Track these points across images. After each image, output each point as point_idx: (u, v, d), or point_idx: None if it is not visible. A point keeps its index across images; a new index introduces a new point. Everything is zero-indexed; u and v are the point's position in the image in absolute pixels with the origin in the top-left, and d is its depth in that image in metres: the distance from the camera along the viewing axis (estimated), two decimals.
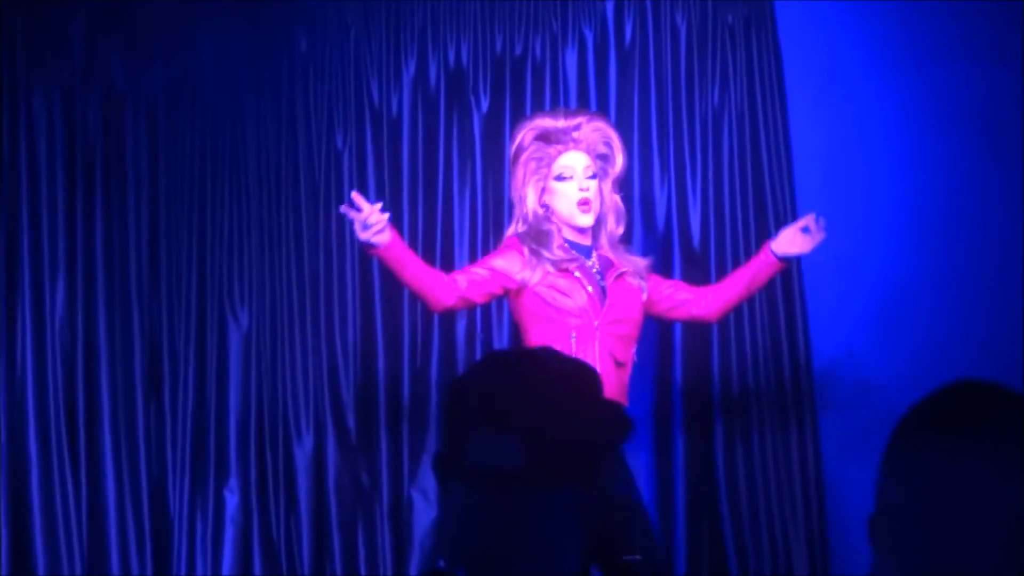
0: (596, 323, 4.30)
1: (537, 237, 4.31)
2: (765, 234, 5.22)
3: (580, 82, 5.53)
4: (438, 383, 5.46)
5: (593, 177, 4.36)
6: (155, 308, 5.52)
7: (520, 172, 4.33)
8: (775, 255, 4.48)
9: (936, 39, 5.33)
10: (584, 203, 4.31)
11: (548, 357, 1.79)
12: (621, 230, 4.45)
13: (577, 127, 4.35)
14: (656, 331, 5.36)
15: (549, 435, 1.69)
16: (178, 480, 5.51)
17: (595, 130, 4.38)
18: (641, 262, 4.55)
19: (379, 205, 4.16)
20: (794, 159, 5.50)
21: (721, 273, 5.29)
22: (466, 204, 5.53)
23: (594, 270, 4.37)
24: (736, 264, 5.23)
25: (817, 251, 4.76)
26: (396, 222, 5.14)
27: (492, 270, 4.34)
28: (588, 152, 4.35)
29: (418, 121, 5.54)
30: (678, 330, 5.40)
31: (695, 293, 4.58)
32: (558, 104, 5.43)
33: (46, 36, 5.43)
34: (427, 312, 5.23)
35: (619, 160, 4.41)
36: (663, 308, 4.59)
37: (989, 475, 1.48)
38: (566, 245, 4.39)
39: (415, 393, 5.47)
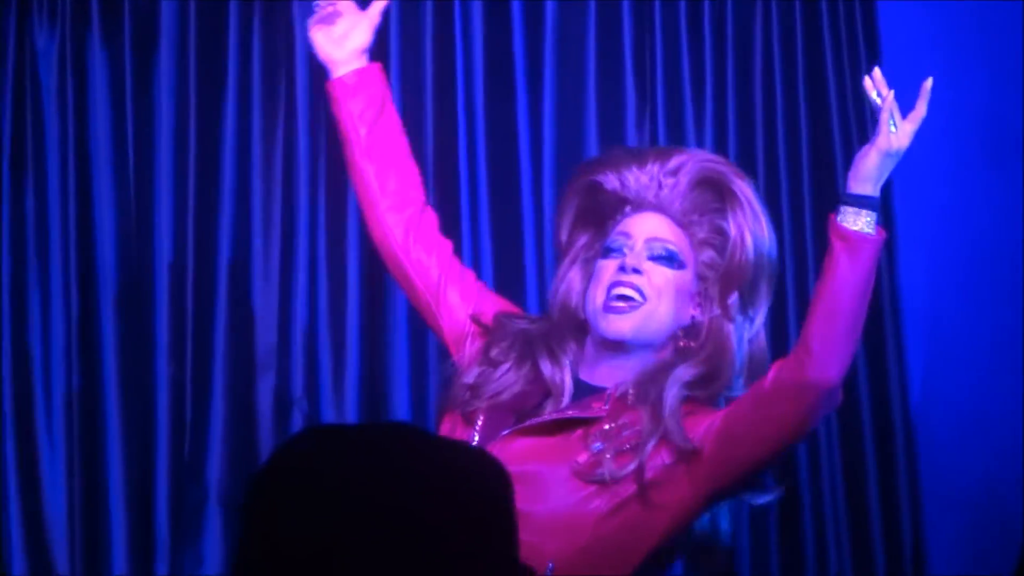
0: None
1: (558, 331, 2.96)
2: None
3: None
4: (221, 476, 3.91)
5: (665, 259, 2.95)
6: None
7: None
8: (845, 210, 2.88)
9: None
10: (621, 299, 2.91)
11: (429, 443, 1.46)
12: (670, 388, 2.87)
13: (671, 172, 2.97)
14: None
15: (425, 566, 1.39)
16: None
17: (703, 172, 2.97)
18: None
19: None
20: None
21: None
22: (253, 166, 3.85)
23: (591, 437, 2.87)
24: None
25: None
26: (84, 204, 3.76)
27: (481, 293, 3.08)
28: (672, 215, 2.99)
29: None
30: None
31: (776, 369, 3.03)
32: None
33: None
34: (200, 357, 3.74)
35: (747, 241, 2.92)
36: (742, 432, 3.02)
37: None
38: (567, 377, 2.96)
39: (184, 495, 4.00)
